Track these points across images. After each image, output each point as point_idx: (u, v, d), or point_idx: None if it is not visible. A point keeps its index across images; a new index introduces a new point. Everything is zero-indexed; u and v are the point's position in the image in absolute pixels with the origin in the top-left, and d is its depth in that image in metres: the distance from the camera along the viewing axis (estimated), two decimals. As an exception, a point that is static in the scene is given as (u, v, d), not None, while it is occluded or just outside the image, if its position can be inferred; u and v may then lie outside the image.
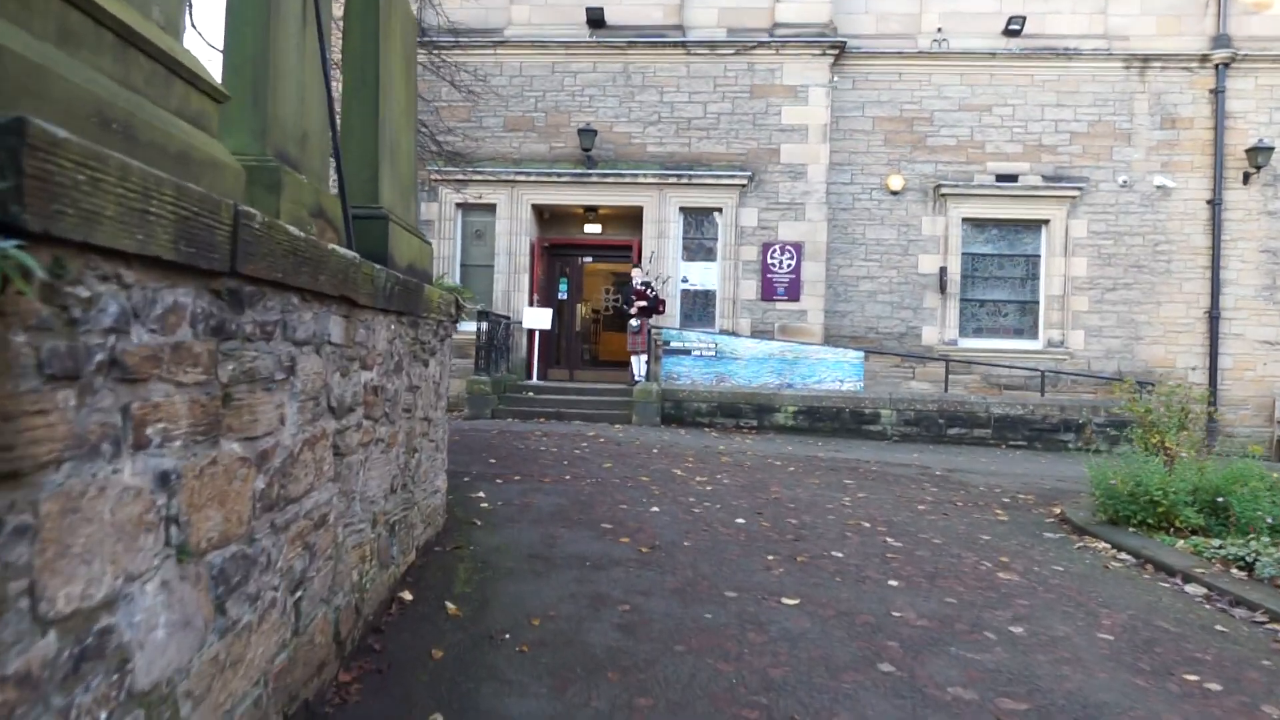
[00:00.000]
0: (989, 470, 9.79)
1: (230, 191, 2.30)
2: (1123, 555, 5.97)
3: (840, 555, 5.36)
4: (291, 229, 2.25)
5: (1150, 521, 6.48)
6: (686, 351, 12.88)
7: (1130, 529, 6.54)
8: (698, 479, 7.70)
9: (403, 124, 4.25)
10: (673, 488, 7.19)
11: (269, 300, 2.20)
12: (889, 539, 5.93)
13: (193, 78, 2.21)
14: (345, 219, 3.31)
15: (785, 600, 4.35)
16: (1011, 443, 12.26)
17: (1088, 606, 4.66)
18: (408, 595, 3.95)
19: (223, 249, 1.84)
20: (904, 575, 5.01)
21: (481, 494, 6.38)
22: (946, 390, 13.59)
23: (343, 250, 2.72)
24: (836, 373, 12.64)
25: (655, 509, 6.28)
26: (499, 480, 7.00)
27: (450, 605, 3.89)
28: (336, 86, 3.76)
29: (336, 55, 4.42)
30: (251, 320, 2.09)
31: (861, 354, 12.70)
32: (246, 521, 2.15)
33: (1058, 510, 7.56)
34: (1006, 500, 7.94)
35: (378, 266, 3.26)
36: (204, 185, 2.04)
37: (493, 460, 7.96)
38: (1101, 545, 6.26)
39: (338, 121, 3.28)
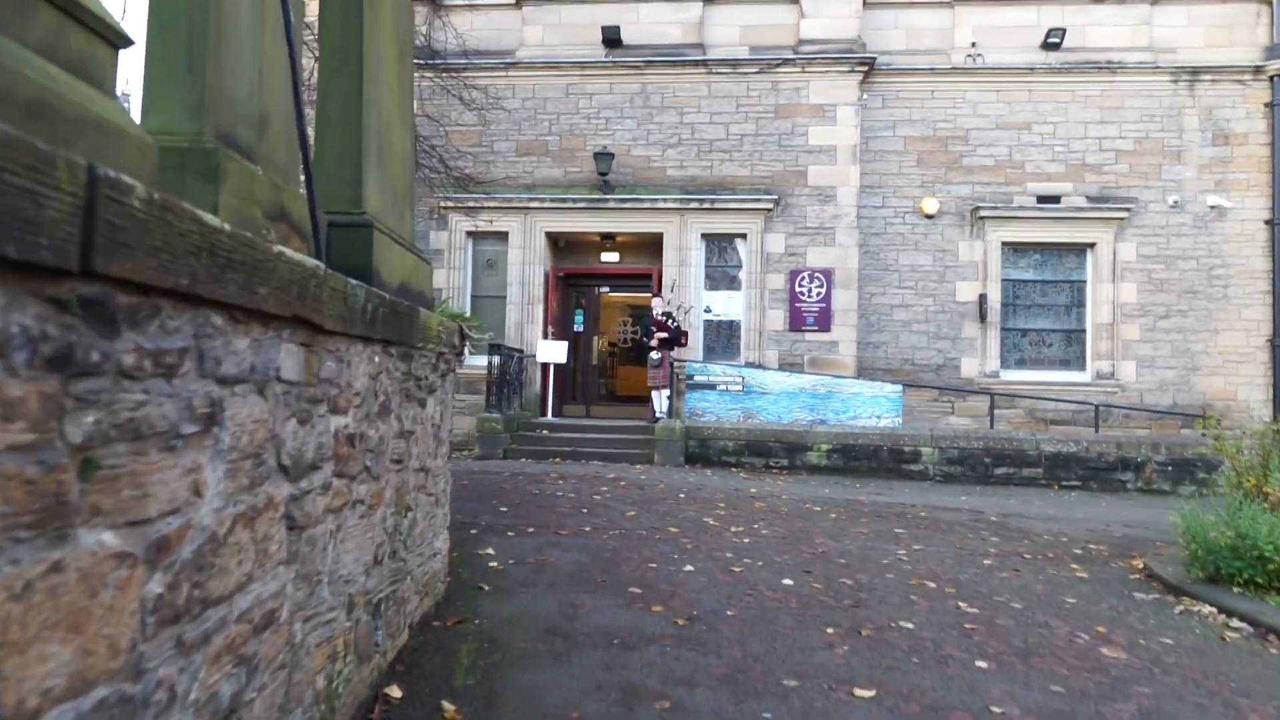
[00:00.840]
0: (1047, 515, 8.98)
1: (134, 171, 1.64)
2: (1236, 623, 5.16)
3: (910, 626, 4.59)
4: (207, 218, 1.58)
5: (1259, 580, 5.67)
6: (711, 386, 12.18)
7: (1235, 588, 5.73)
8: (733, 529, 6.95)
9: (395, 118, 3.62)
10: (706, 540, 6.44)
11: (169, 319, 1.52)
12: (961, 603, 5.16)
13: (68, 3, 1.56)
14: (314, 222, 2.66)
15: (858, 691, 3.59)
16: (1064, 483, 11.42)
17: (1222, 695, 3.87)
18: (395, 691, 3.23)
19: (63, 233, 1.17)
20: (991, 652, 4.23)
21: (490, 550, 5.66)
22: (992, 426, 12.78)
23: (297, 256, 2.05)
24: (873, 408, 11.89)
25: (689, 567, 5.53)
26: (511, 533, 6.28)
27: (448, 705, 3.16)
28: (312, 66, 3.12)
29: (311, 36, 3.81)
30: (134, 348, 1.42)
31: (900, 388, 11.95)
32: (128, 648, 1.45)
33: (1139, 564, 6.75)
34: (1078, 552, 7.14)
35: (354, 283, 2.59)
36: (84, 156, 1.38)
37: (504, 509, 7.24)
38: (1206, 609, 5.45)
39: (304, 102, 2.63)
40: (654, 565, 5.53)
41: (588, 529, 6.58)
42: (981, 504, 9.55)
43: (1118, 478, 11.39)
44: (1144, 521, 8.91)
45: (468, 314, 13.57)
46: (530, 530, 6.41)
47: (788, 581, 5.35)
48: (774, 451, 11.74)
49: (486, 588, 4.80)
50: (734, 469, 11.63)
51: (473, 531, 6.23)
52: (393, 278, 3.45)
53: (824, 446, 11.68)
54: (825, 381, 12.01)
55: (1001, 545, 7.15)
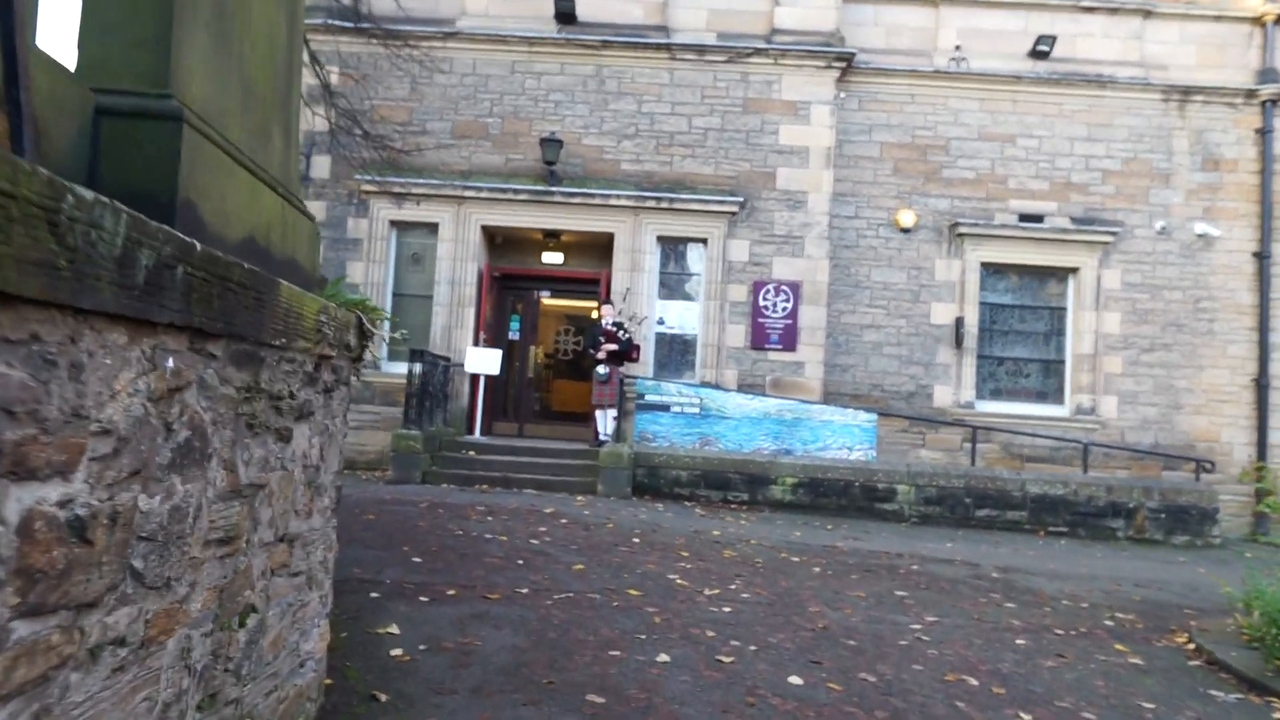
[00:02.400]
0: (1049, 571, 7.94)
1: None
2: (1364, 740, 4.10)
3: (980, 762, 3.36)
4: None
5: (1367, 678, 4.64)
6: (664, 407, 10.90)
7: (1334, 686, 4.69)
8: (706, 592, 5.65)
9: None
10: (677, 609, 5.12)
11: None
12: (1022, 714, 3.96)
13: None
14: (12, 83, 1.27)
15: None
16: (1051, 528, 10.47)
17: None
18: None
19: None
20: (1105, 812, 3.03)
21: (395, 629, 4.22)
22: (974, 462, 11.79)
23: None
24: (844, 438, 10.78)
25: (663, 657, 4.20)
26: (425, 597, 4.85)
27: None
28: None
29: None
30: None
31: (874, 417, 10.87)
32: None
33: (1187, 643, 5.70)
34: (1108, 623, 6.07)
35: (105, 204, 1.21)
36: None
37: (418, 558, 5.79)
38: (1313, 717, 4.39)
39: None
40: (617, 653, 4.18)
41: (525, 591, 5.19)
42: (972, 554, 8.47)
43: (1108, 524, 10.49)
44: (1155, 581, 7.97)
45: (386, 312, 11.99)
46: (451, 593, 4.99)
47: (795, 681, 4.07)
48: (733, 484, 10.51)
49: (384, 697, 3.39)
50: (688, 503, 10.35)
51: (373, 595, 4.79)
52: (230, 223, 2.05)
53: (789, 480, 10.50)
54: (792, 407, 10.85)
55: (1021, 615, 6.03)
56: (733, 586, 5.88)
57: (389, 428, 11.76)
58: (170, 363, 1.61)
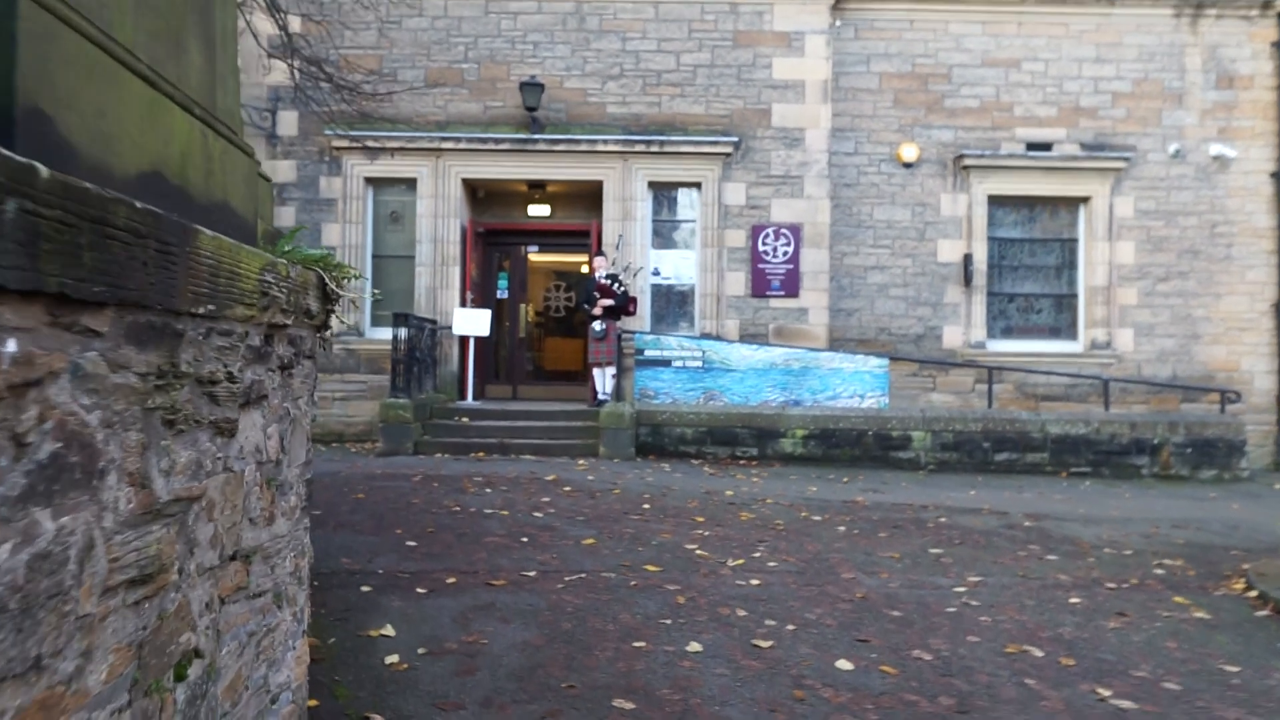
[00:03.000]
0: (1081, 516, 7.55)
1: None
2: None
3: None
4: None
5: None
6: (665, 362, 10.40)
7: None
8: (730, 563, 5.20)
9: None
10: (702, 587, 4.67)
11: None
12: (1100, 689, 3.54)
13: None
14: None
15: None
16: (1074, 469, 10.10)
17: None
18: None
19: None
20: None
21: (389, 629, 3.75)
22: (990, 404, 11.36)
23: None
24: (855, 386, 10.32)
25: (695, 645, 3.75)
26: (422, 588, 4.38)
27: None
28: None
29: None
30: None
31: (885, 362, 10.40)
32: None
33: (1248, 591, 5.30)
34: (1159, 572, 5.66)
35: None
36: None
37: (412, 541, 5.32)
38: None
39: None
40: (642, 644, 3.73)
41: (533, 573, 4.73)
42: (997, 501, 8.07)
43: (1131, 462, 10.12)
44: (1192, 520, 7.59)
45: (366, 277, 11.40)
46: (451, 581, 4.52)
47: (844, 666, 3.63)
48: (741, 439, 10.07)
49: (377, 719, 2.92)
50: (695, 461, 9.92)
51: (364, 588, 4.31)
52: (118, 150, 1.51)
53: (800, 432, 10.06)
54: (800, 356, 10.37)
55: (1066, 568, 5.62)
56: (757, 554, 5.44)
57: (377, 397, 11.25)
58: (10, 346, 1.08)
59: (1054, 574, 5.44)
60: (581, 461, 9.37)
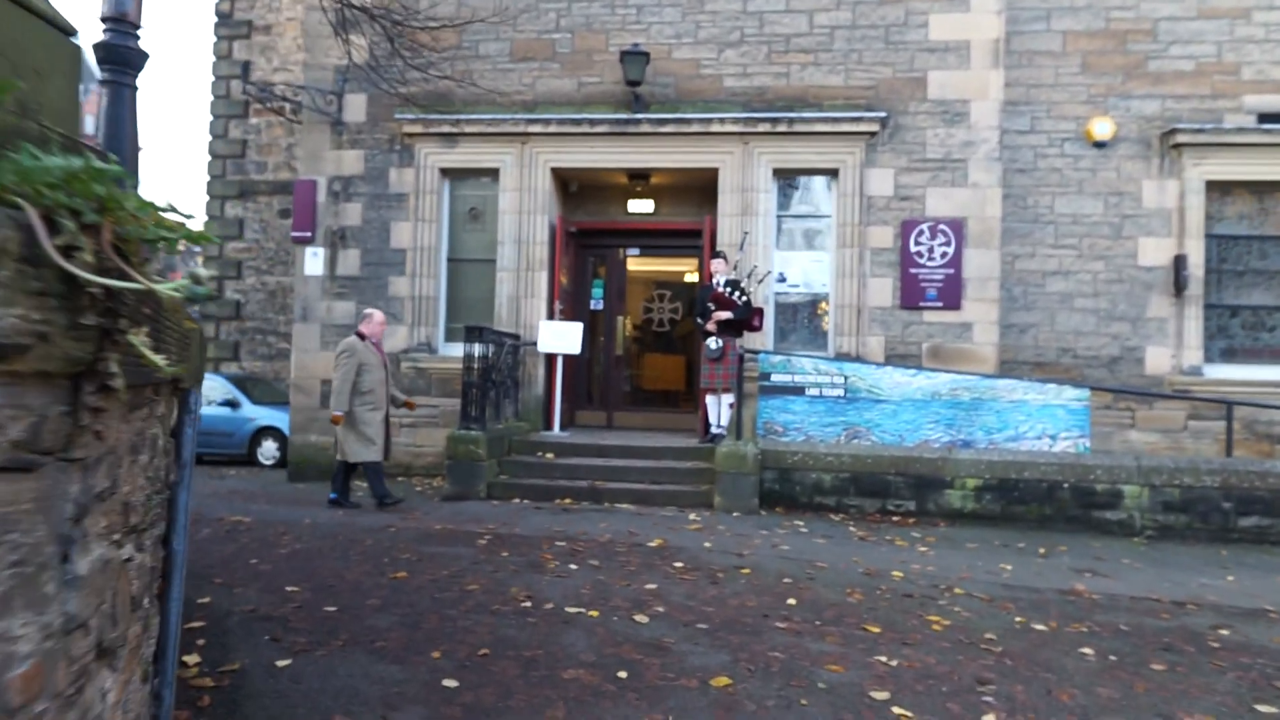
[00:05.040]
0: None
1: None
2: None
3: None
4: None
5: None
6: (796, 390, 8.47)
7: None
8: (955, 738, 3.26)
9: None
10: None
11: None
12: None
13: None
14: None
15: None
16: (1353, 542, 7.65)
17: None
18: None
19: None
20: None
21: None
22: (1230, 449, 8.91)
23: None
24: (1043, 423, 8.15)
25: None
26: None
27: None
28: None
29: None
30: None
31: (1085, 394, 8.17)
32: None
33: None
34: None
35: None
36: None
37: (451, 679, 3.54)
38: None
39: None
40: None
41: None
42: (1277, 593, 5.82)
43: None
44: None
45: (442, 284, 9.78)
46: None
47: None
48: (895, 489, 8.04)
49: None
50: (835, 516, 7.95)
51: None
52: None
53: (971, 482, 7.96)
54: (971, 384, 8.27)
55: None
56: (988, 715, 3.47)
57: (450, 424, 9.70)
58: None
59: None
60: (693, 516, 7.52)
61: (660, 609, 4.59)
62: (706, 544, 6.36)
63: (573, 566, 5.41)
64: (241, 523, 6.93)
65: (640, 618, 4.39)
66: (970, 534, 7.50)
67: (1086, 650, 4.40)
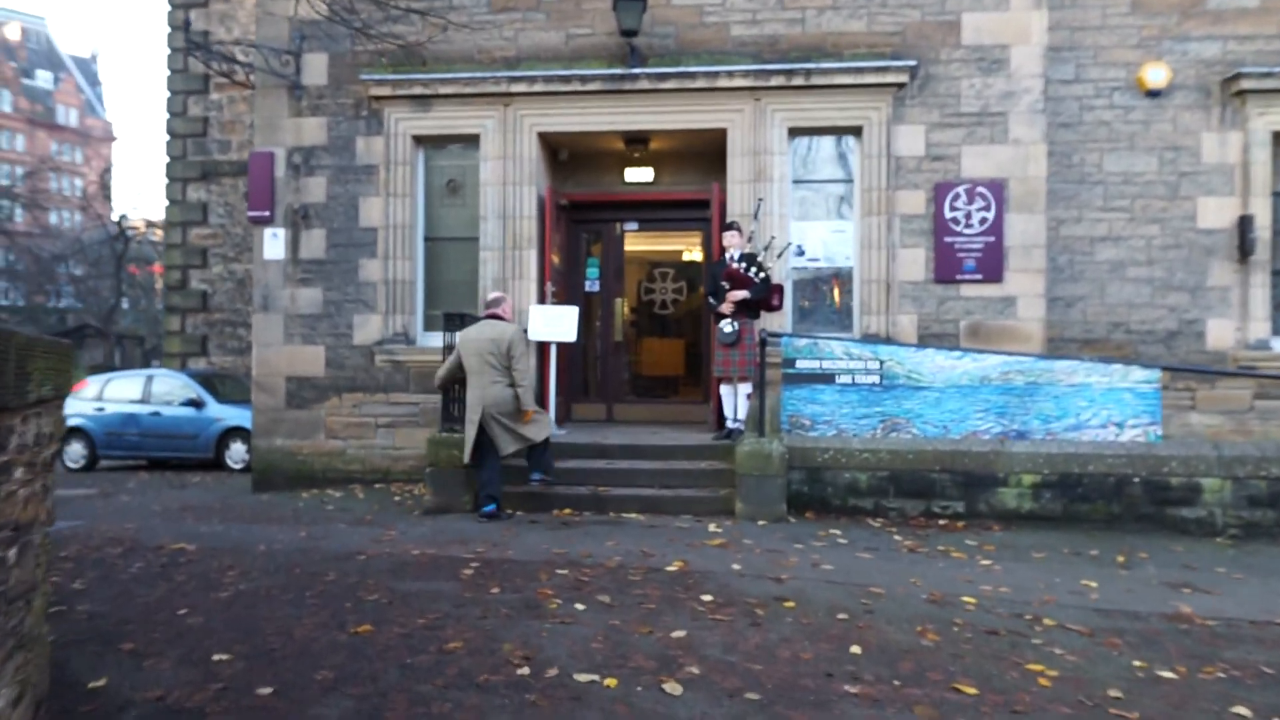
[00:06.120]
0: None
1: None
2: None
3: None
4: None
5: None
6: (825, 377, 7.49)
7: None
8: None
9: None
10: None
11: None
12: None
13: None
14: None
15: None
16: None
17: None
18: None
19: None
20: None
21: None
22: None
23: None
24: (1108, 409, 7.20)
25: None
26: None
27: None
28: None
29: None
30: None
31: (1155, 376, 7.22)
32: None
33: None
34: None
35: None
36: None
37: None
38: None
39: None
40: None
41: None
42: None
43: None
44: None
45: (420, 267, 8.79)
46: None
47: None
48: (939, 488, 7.10)
49: None
50: (873, 521, 7.00)
51: None
52: None
53: (1028, 479, 7.02)
54: (1024, 367, 7.30)
55: None
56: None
57: (432, 423, 8.75)
58: None
59: None
60: (713, 527, 6.56)
61: (694, 670, 3.62)
62: (735, 565, 5.40)
63: (579, 607, 4.43)
64: (184, 552, 5.93)
65: (671, 686, 3.42)
66: (1032, 539, 6.57)
67: (1242, 711, 3.46)
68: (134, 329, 42.30)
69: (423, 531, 6.46)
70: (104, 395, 13.97)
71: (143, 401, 13.66)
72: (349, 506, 7.92)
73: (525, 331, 7.71)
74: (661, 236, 11.17)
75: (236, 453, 12.90)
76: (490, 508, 6.80)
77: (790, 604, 4.61)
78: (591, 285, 10.39)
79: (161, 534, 6.68)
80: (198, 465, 13.34)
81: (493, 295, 7.58)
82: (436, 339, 8.53)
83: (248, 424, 11.96)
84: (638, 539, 6.11)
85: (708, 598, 4.67)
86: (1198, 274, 8.99)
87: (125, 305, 41.83)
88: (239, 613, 4.35)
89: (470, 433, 6.82)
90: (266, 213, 9.31)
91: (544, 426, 7.04)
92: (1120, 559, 6.07)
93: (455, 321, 7.42)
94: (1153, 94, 8.98)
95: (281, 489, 9.24)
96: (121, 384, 14.27)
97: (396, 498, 8.29)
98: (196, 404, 13.27)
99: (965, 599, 4.86)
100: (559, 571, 5.16)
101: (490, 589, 4.77)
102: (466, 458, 6.88)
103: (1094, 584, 5.34)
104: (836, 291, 9.06)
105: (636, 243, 10.84)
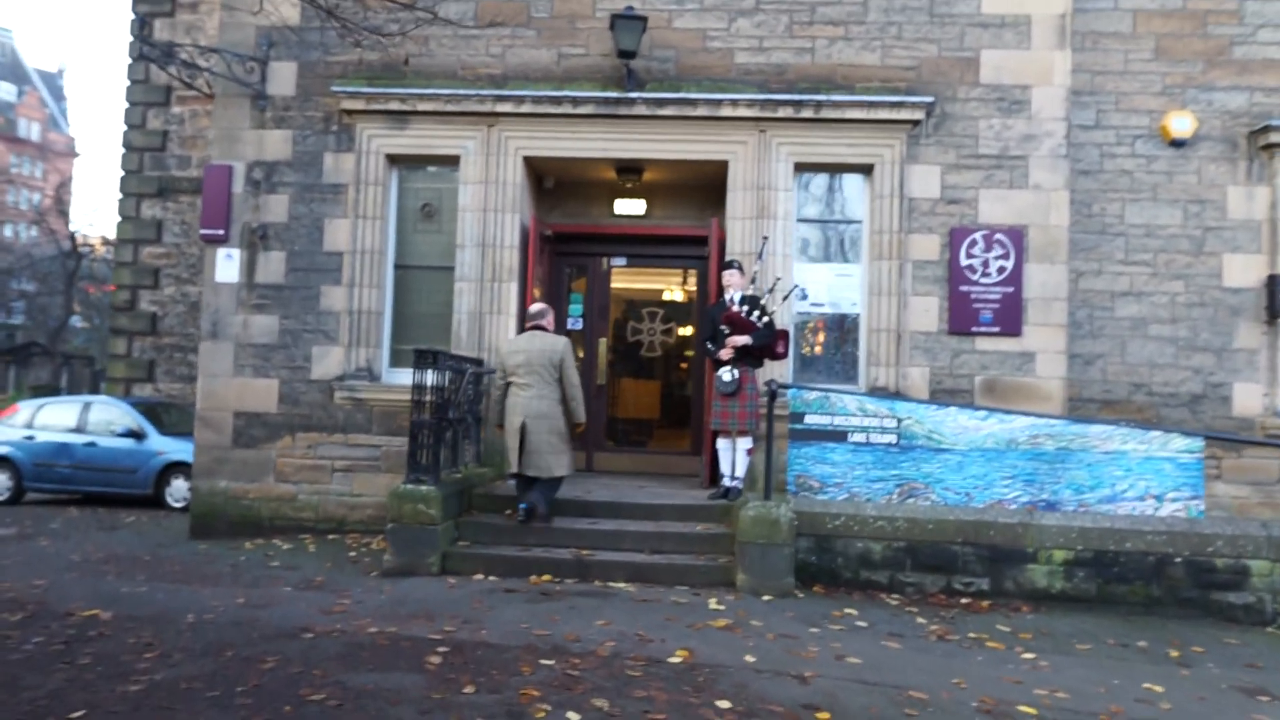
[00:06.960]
0: None
1: None
2: None
3: None
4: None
5: None
6: (836, 435, 6.80)
7: None
8: None
9: None
10: None
11: None
12: None
13: None
14: None
15: None
16: None
17: None
18: None
19: None
20: None
21: None
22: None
23: None
24: (1146, 479, 6.59)
25: None
26: None
27: None
28: None
29: None
30: None
31: (1198, 445, 6.63)
32: None
33: None
34: None
35: None
36: None
37: None
38: None
39: None
40: None
41: None
42: None
43: None
44: None
45: (387, 296, 8.04)
46: None
47: None
48: (962, 562, 6.41)
49: None
50: (889, 598, 6.28)
51: None
52: None
53: (1059, 555, 6.37)
54: (1055, 430, 6.67)
55: None
56: None
57: (394, 469, 7.96)
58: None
59: None
60: (714, 604, 5.78)
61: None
62: (749, 658, 4.63)
63: (572, 717, 3.64)
64: (96, 621, 5.04)
65: None
66: (1067, 624, 5.89)
67: None
68: (84, 349, 40.66)
69: (381, 601, 5.62)
70: (35, 422, 12.90)
71: (78, 430, 12.61)
72: (298, 563, 7.04)
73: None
74: (651, 274, 10.47)
75: (178, 490, 11.88)
76: (525, 506, 6.77)
77: (824, 715, 3.86)
78: (574, 323, 9.66)
79: (74, 595, 5.76)
80: (136, 502, 12.29)
81: (537, 307, 7.21)
82: (404, 376, 7.73)
83: (192, 458, 11.01)
84: (631, 617, 5.33)
85: (724, 704, 3.91)
86: (1224, 334, 8.50)
87: (77, 324, 40.27)
88: (148, 718, 3.50)
89: (513, 443, 6.69)
90: (221, 231, 8.50)
91: (567, 464, 6.91)
92: (1174, 654, 5.40)
93: (428, 359, 6.64)
94: (1177, 144, 8.55)
95: (223, 536, 8.32)
96: (56, 410, 13.20)
97: (352, 553, 7.41)
98: (137, 435, 12.26)
99: (1023, 708, 4.14)
100: (543, 662, 4.36)
101: (462, 686, 3.96)
102: (514, 467, 6.74)
103: (1159, 688, 4.65)
104: (842, 340, 8.42)
105: (625, 279, 10.14)
